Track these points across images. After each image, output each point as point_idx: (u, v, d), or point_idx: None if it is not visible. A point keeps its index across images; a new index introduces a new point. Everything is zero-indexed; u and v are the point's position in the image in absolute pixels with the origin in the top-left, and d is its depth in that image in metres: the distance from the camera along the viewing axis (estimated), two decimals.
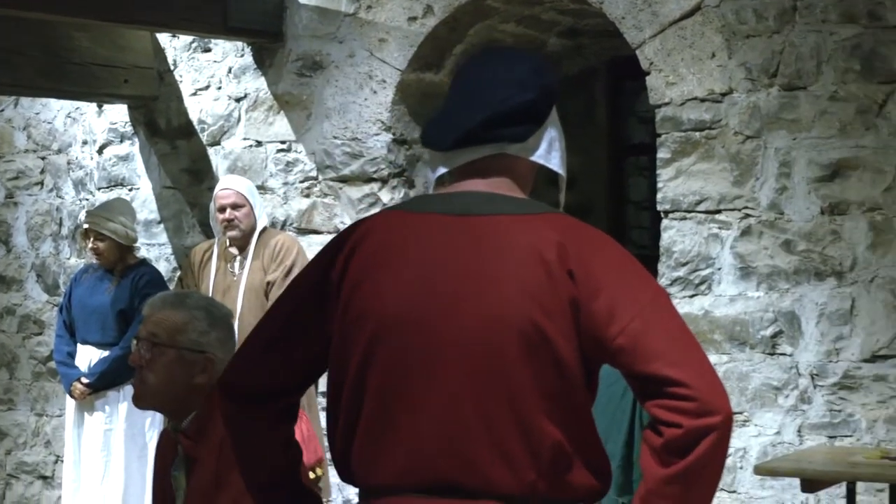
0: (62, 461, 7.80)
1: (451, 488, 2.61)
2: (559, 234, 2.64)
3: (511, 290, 2.61)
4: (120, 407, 7.11)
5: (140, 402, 3.81)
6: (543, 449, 2.60)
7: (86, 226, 7.19)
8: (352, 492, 7.21)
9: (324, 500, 7.09)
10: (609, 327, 2.57)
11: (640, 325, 2.57)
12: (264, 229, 6.97)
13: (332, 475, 7.10)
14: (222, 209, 6.88)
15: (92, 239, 7.14)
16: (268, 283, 6.81)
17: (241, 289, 6.84)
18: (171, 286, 7.66)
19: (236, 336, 6.62)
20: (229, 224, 6.86)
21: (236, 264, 6.93)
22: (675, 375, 2.52)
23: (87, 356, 7.23)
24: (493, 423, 2.59)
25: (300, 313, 2.81)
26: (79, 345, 7.27)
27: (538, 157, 2.79)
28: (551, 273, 2.60)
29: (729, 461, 6.29)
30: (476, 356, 2.61)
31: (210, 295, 6.86)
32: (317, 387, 7.16)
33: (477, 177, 2.76)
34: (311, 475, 6.70)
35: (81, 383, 7.13)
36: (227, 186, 6.97)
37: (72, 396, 7.22)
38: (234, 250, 6.93)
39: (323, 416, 7.15)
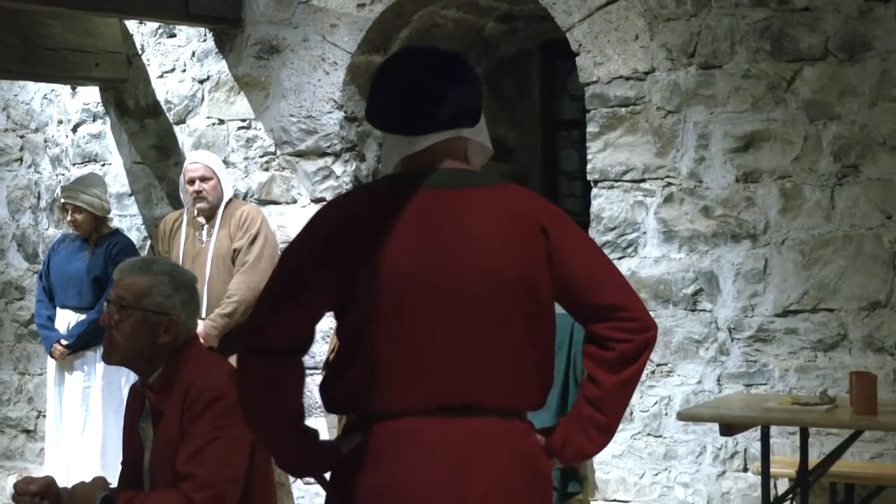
0: (44, 416, 7.76)
1: (458, 408, 2.95)
2: (525, 199, 3.06)
3: (499, 245, 2.97)
4: (97, 366, 7.07)
5: (108, 358, 3.80)
6: (525, 370, 3.01)
7: (63, 200, 7.14)
8: None
9: None
10: (573, 269, 3.01)
11: (595, 267, 3.05)
12: (230, 200, 6.93)
13: None
14: (191, 181, 6.84)
15: (70, 211, 7.11)
16: (234, 251, 6.76)
17: (210, 255, 6.80)
18: (143, 254, 7.64)
19: (203, 299, 6.68)
20: (198, 196, 6.82)
21: (204, 233, 6.88)
22: (622, 302, 3.02)
23: (66, 319, 7.20)
24: (489, 354, 2.96)
25: (316, 278, 3.01)
26: (58, 309, 7.22)
27: (482, 138, 3.12)
28: (528, 229, 2.99)
29: (654, 408, 6.34)
30: (475, 303, 2.96)
31: (180, 261, 6.83)
32: None
33: (446, 157, 3.05)
34: None
35: (61, 345, 7.10)
36: (196, 160, 6.93)
37: (52, 357, 7.18)
38: (202, 220, 6.88)
39: None
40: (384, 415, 3.00)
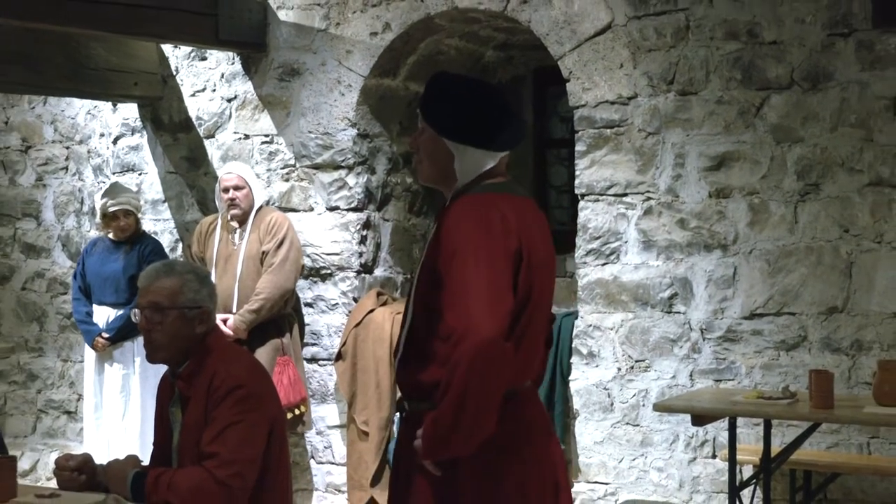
0: (83, 399, 7.76)
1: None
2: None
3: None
4: (135, 354, 7.09)
5: (153, 358, 3.79)
6: None
7: (113, 209, 7.14)
8: (327, 423, 7.21)
9: (307, 430, 7.11)
10: None
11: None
12: (260, 207, 6.94)
13: (313, 411, 7.12)
14: (226, 190, 6.85)
15: (121, 217, 7.14)
16: (262, 253, 6.77)
17: (241, 257, 6.80)
18: (173, 255, 7.65)
19: (234, 296, 6.70)
20: (231, 203, 6.83)
21: (236, 236, 6.88)
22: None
23: (105, 314, 7.20)
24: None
25: (511, 274, 3.08)
26: (95, 305, 7.22)
27: None
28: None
29: (633, 400, 6.33)
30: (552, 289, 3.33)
31: (214, 261, 6.85)
32: (302, 337, 7.15)
33: (502, 170, 3.27)
34: (297, 411, 6.72)
35: (102, 338, 7.11)
36: (230, 171, 6.94)
37: (94, 349, 7.18)
38: (234, 224, 6.89)
39: (307, 365, 7.17)
40: (518, 390, 3.18)
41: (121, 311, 7.08)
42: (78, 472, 3.68)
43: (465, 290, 2.96)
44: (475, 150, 3.17)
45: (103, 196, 7.22)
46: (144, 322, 3.72)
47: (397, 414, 3.33)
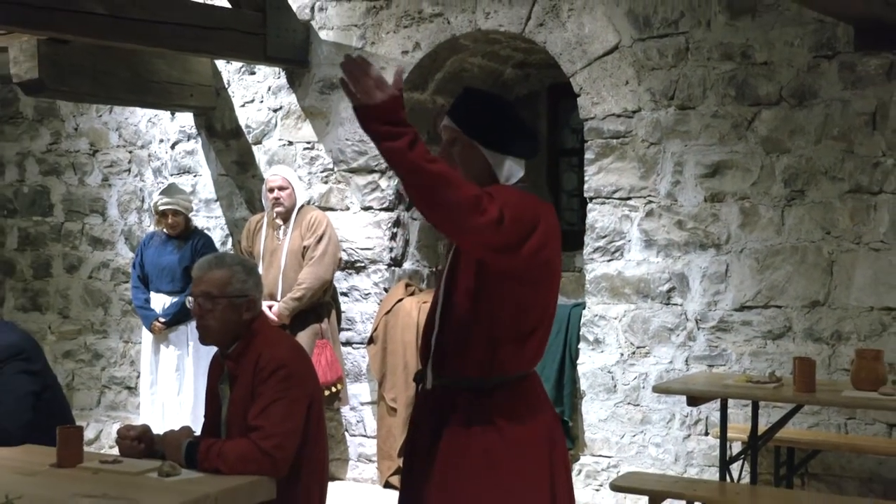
0: (141, 376, 7.78)
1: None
2: None
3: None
4: (188, 337, 7.11)
5: (205, 341, 3.80)
6: None
7: (163, 208, 7.16)
8: (360, 400, 7.22)
9: (343, 406, 7.12)
10: None
11: None
12: (302, 206, 6.94)
13: (348, 389, 7.12)
14: (271, 190, 6.85)
15: (170, 216, 7.15)
16: (304, 247, 6.78)
17: (285, 251, 6.81)
18: (225, 249, 7.66)
19: (279, 286, 6.71)
20: (276, 202, 6.83)
21: (280, 232, 6.88)
22: None
23: (161, 301, 7.21)
24: None
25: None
26: (152, 293, 7.23)
27: None
28: None
29: (634, 382, 6.32)
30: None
31: (261, 254, 6.86)
32: (339, 323, 7.15)
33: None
34: (333, 389, 6.73)
35: (159, 322, 7.13)
36: (276, 173, 6.93)
37: (151, 332, 7.20)
38: (279, 221, 6.89)
39: (342, 348, 7.17)
40: (528, 373, 3.21)
41: (175, 299, 7.10)
42: (137, 441, 3.69)
43: None
44: (512, 159, 3.21)
45: (159, 195, 7.25)
46: (197, 309, 3.73)
47: (419, 386, 3.30)
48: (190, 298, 3.78)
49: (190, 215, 7.30)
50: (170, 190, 7.27)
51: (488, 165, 3.20)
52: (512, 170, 3.21)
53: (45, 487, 3.26)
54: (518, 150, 3.22)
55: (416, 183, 2.82)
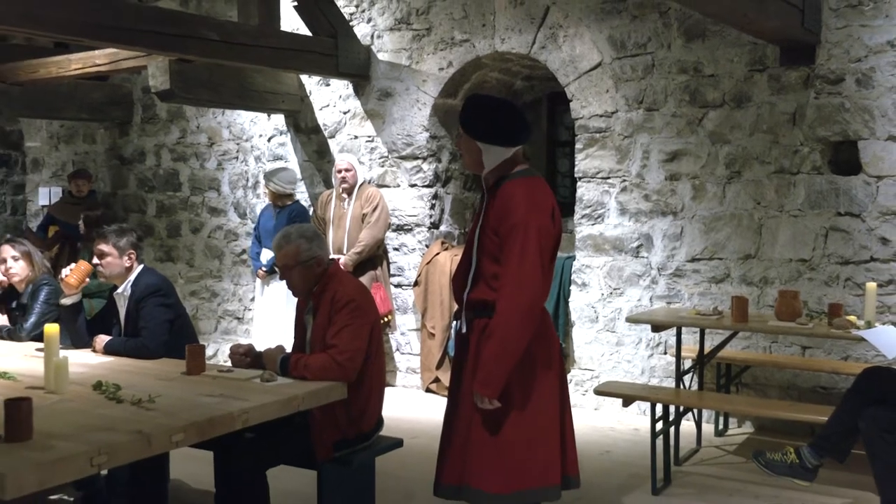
0: (248, 310, 7.83)
1: None
2: None
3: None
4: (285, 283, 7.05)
5: (294, 294, 3.79)
6: None
7: (266, 189, 7.13)
8: (407, 328, 7.24)
9: (394, 332, 7.12)
10: None
11: None
12: (362, 183, 6.92)
13: (398, 319, 7.13)
14: (339, 171, 6.83)
15: (270, 192, 7.10)
16: (363, 215, 6.76)
17: (349, 217, 6.79)
18: (310, 213, 7.64)
19: (345, 243, 6.68)
20: (343, 180, 6.81)
21: (345, 203, 6.86)
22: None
23: (267, 255, 7.17)
24: None
25: (550, 242, 3.14)
26: (264, 249, 7.18)
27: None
28: None
29: (611, 314, 6.30)
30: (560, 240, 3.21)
31: (330, 221, 6.82)
32: (389, 270, 7.15)
33: (520, 159, 3.19)
34: (386, 319, 6.75)
35: (262, 270, 7.13)
36: (343, 158, 6.88)
37: (258, 276, 7.21)
38: (345, 195, 6.86)
39: (393, 289, 7.16)
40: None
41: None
42: (245, 356, 3.72)
43: (523, 255, 3.02)
44: (496, 147, 3.14)
45: (264, 176, 7.20)
46: (283, 274, 3.73)
47: (454, 322, 3.30)
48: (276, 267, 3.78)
49: (283, 193, 7.22)
50: (271, 173, 7.18)
51: (480, 152, 3.17)
52: (496, 155, 3.15)
53: (178, 389, 3.29)
54: (500, 141, 3.13)
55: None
